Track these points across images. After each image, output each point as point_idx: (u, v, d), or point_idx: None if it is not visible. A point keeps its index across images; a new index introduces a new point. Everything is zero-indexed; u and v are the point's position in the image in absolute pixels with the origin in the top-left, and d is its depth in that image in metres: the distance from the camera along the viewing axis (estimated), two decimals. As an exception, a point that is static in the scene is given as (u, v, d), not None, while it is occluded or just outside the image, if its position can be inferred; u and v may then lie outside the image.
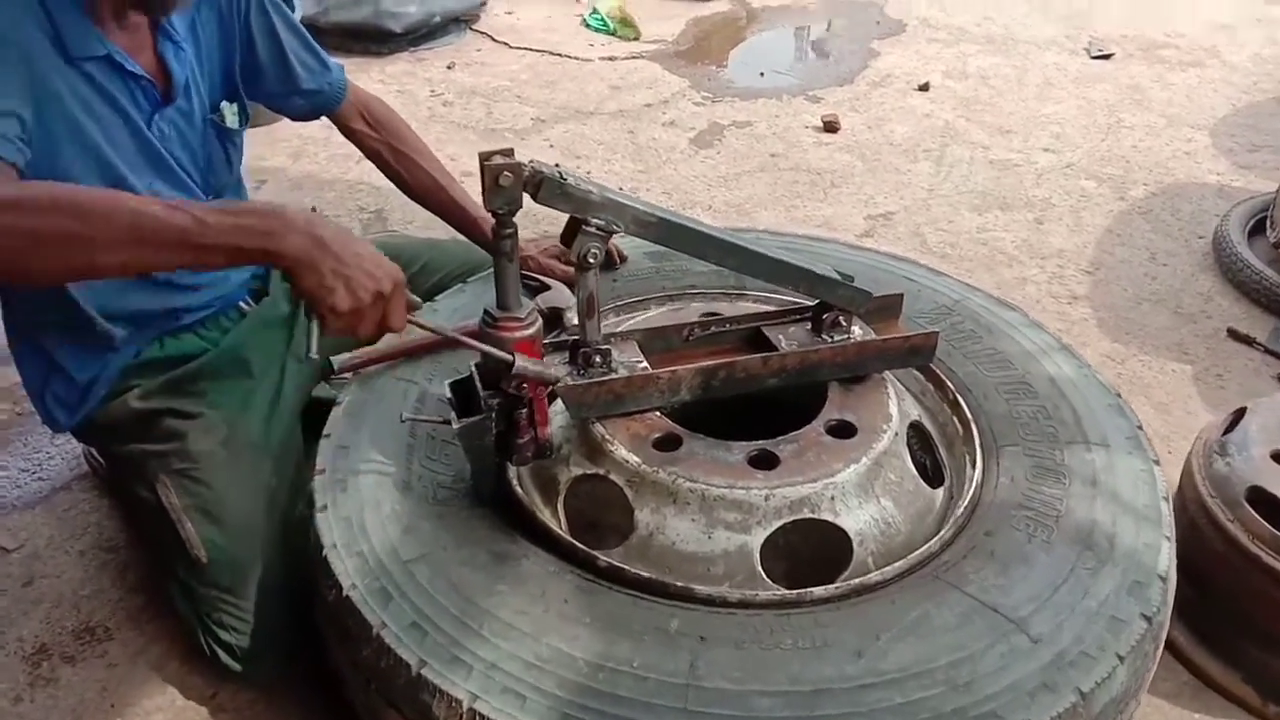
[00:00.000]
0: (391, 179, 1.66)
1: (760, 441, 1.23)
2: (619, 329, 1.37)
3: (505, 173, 1.08)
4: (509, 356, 1.12)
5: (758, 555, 1.14)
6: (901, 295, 1.44)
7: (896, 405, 1.31)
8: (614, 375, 1.25)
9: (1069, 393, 1.40)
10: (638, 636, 1.03)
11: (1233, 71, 3.62)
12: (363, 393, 1.40)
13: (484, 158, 1.09)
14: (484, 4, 3.99)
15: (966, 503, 1.24)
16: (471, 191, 1.46)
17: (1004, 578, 1.10)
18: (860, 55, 3.77)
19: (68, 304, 1.31)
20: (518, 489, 1.25)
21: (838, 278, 1.33)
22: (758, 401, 1.36)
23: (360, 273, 1.01)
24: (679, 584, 1.10)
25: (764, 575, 1.14)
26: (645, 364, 1.29)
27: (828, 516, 1.17)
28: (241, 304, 1.53)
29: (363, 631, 1.07)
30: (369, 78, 3.34)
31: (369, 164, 1.67)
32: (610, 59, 3.67)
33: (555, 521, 1.23)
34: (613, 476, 1.21)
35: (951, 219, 2.58)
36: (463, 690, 0.98)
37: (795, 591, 1.10)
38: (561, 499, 1.25)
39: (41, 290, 1.31)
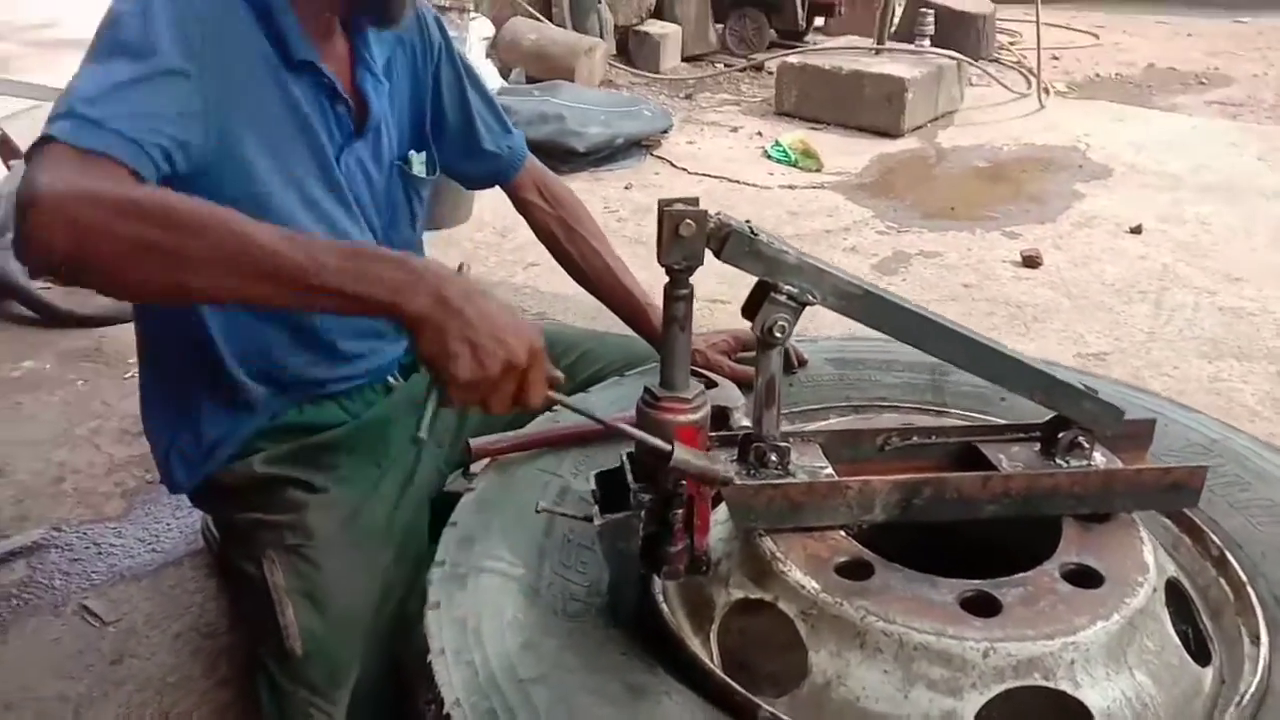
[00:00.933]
0: (559, 258, 1.54)
1: (976, 581, 0.97)
2: (800, 430, 1.15)
3: (687, 221, 0.92)
4: (667, 446, 0.93)
5: (969, 727, 0.87)
6: (1154, 421, 1.17)
7: (1153, 554, 1.03)
8: (792, 479, 1.03)
9: (1386, 564, 1.08)
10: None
11: None
12: (498, 481, 1.24)
13: (664, 204, 0.93)
14: (666, 131, 4.00)
15: (1253, 689, 0.93)
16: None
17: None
18: (1063, 196, 3.52)
19: (210, 360, 1.23)
20: (663, 608, 1.03)
21: (1083, 387, 1.08)
22: (966, 540, 1.10)
23: (489, 339, 0.87)
24: (865, 758, 0.85)
25: (976, 756, 0.87)
26: (830, 471, 1.06)
27: (1066, 687, 0.90)
28: (390, 379, 1.42)
29: (461, 762, 0.86)
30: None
31: (536, 270, 1.56)
32: (790, 187, 3.57)
33: (706, 653, 0.99)
34: (782, 605, 0.97)
35: (1177, 364, 2.27)
36: None
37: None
38: (715, 627, 1.02)
39: (184, 343, 1.23)
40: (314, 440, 1.29)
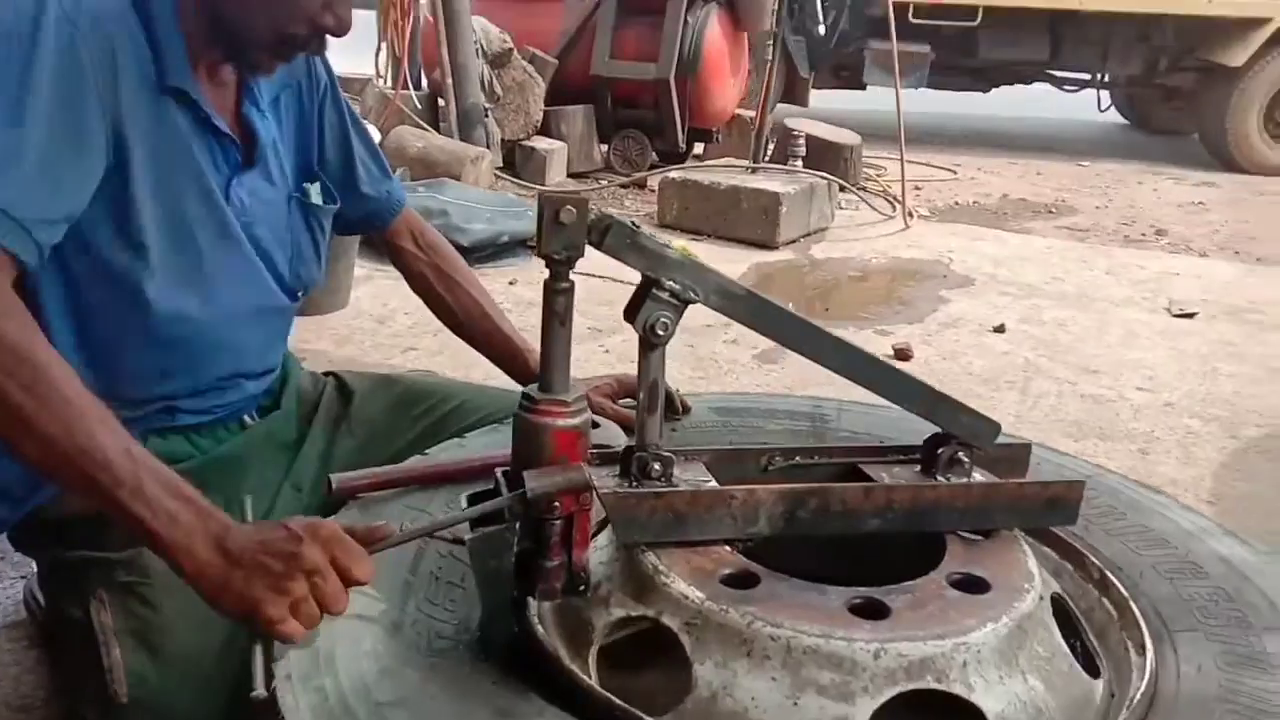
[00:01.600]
0: (433, 306, 1.50)
1: (864, 589, 0.94)
2: (683, 449, 1.11)
3: (568, 207, 0.90)
4: (515, 496, 0.89)
5: (862, 733, 0.82)
6: (1030, 445, 1.18)
7: (1037, 567, 1.02)
8: (675, 489, 0.99)
9: (1252, 575, 1.10)
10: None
11: (1330, 335, 3.44)
12: (360, 518, 1.15)
13: (543, 194, 0.92)
14: (552, 235, 4.02)
15: (1141, 694, 0.91)
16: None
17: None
18: (930, 301, 3.68)
19: None
20: (539, 629, 0.95)
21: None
22: (851, 565, 1.07)
23: (277, 562, 0.85)
24: (754, 759, 0.78)
25: (871, 764, 0.81)
26: (715, 484, 1.02)
27: (959, 690, 0.86)
28: (246, 417, 1.32)
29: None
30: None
31: (414, 354, 1.52)
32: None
33: (585, 675, 0.92)
34: (666, 619, 0.92)
35: (1045, 443, 2.33)
36: None
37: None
38: (595, 650, 0.95)
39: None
40: None
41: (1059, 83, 8.24)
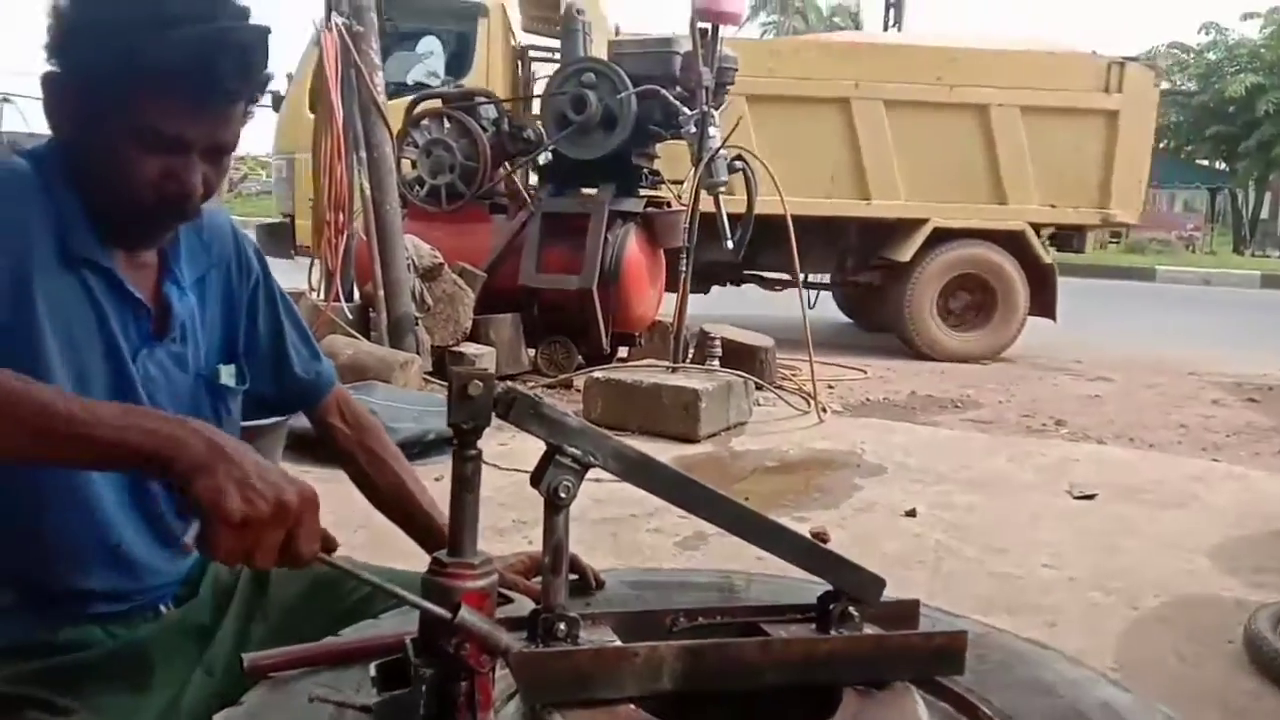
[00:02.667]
0: (359, 482, 1.54)
1: (761, 741, 0.98)
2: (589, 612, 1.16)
3: (475, 381, 0.98)
4: (447, 613, 0.93)
5: None
6: (918, 601, 1.25)
7: (927, 715, 1.07)
8: (579, 648, 1.03)
9: (1129, 718, 1.16)
10: None
11: (1217, 511, 3.63)
12: (269, 696, 1.16)
13: (453, 366, 1.01)
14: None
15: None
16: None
17: None
18: (845, 489, 3.81)
19: None
20: (446, 791, 0.97)
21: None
22: (757, 711, 1.11)
23: (261, 482, 0.90)
24: None
25: None
26: (619, 643, 1.07)
27: (853, 832, 0.89)
28: (162, 606, 1.33)
29: None
30: (354, 488, 3.30)
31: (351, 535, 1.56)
32: (596, 481, 3.68)
33: (492, 840, 0.93)
34: (571, 776, 0.94)
35: (956, 621, 2.40)
36: None
37: None
38: (503, 813, 0.96)
39: None
40: (65, 660, 1.17)
41: (768, 284, 8.74)
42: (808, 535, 3.05)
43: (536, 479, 1.06)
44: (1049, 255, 8.29)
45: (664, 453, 4.24)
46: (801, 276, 6.41)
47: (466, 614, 0.93)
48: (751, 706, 1.10)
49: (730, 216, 5.39)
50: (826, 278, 8.91)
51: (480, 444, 1.03)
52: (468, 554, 1.00)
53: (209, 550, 0.89)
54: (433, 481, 3.61)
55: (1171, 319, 11.38)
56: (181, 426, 0.92)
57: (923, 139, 7.91)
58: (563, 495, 1.04)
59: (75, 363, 1.18)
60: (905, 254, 7.93)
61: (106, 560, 1.23)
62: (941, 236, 8.07)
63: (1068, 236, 8.79)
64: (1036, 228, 8.23)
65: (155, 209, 1.20)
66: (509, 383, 1.04)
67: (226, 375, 1.39)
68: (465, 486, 1.00)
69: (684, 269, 5.25)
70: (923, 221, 7.98)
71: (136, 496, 1.26)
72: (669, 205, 6.47)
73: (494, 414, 1.01)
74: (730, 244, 5.35)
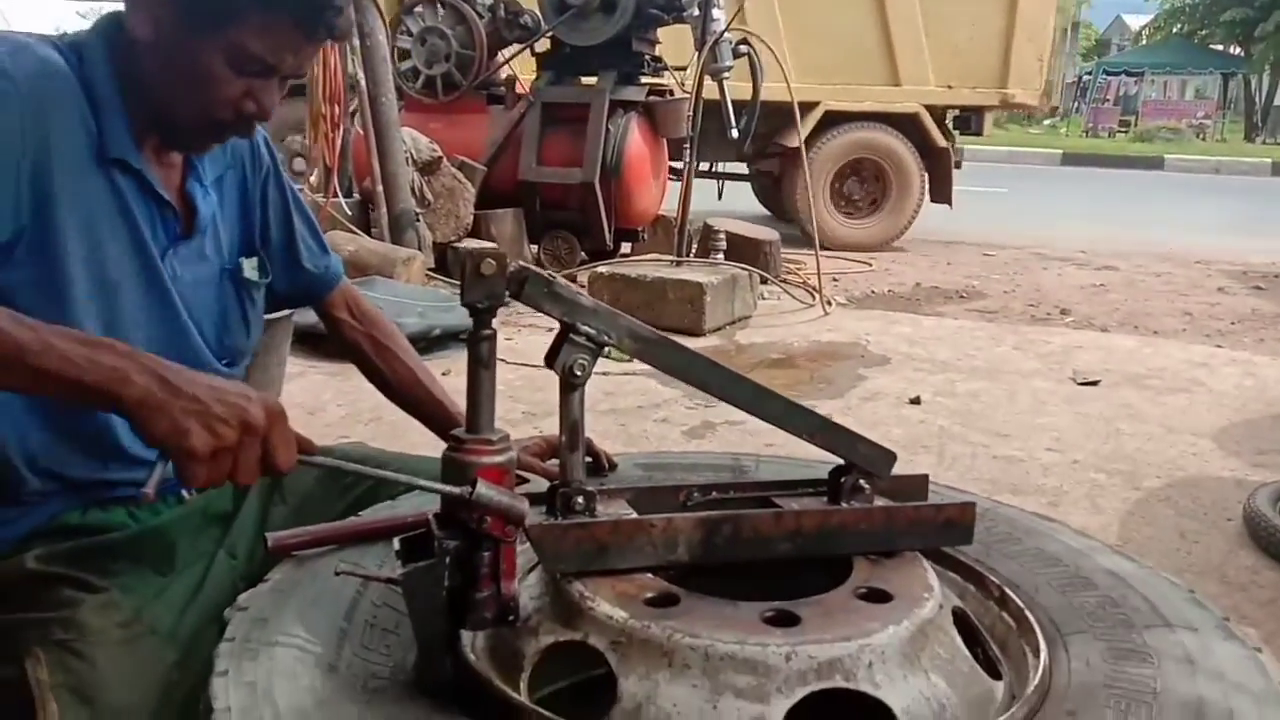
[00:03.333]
0: (369, 374, 1.56)
1: (776, 603, 1.00)
2: (605, 488, 1.18)
3: (488, 260, 0.98)
4: (465, 489, 0.94)
5: (778, 731, 0.88)
6: (927, 476, 1.27)
7: (937, 581, 1.10)
8: (597, 520, 1.05)
9: (1135, 584, 1.19)
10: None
11: (1220, 396, 3.66)
12: (294, 572, 1.18)
13: (464, 249, 1.00)
14: (483, 330, 4.10)
15: (1035, 686, 0.99)
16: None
17: (1108, 753, 0.84)
18: (849, 378, 3.83)
19: None
20: (471, 656, 1.00)
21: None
22: (770, 584, 1.14)
23: (219, 405, 0.88)
24: (677, 755, 0.83)
25: (788, 758, 0.87)
26: (635, 516, 1.09)
27: (866, 687, 0.92)
28: (184, 492, 1.35)
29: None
30: (363, 379, 3.30)
31: (348, 440, 1.56)
32: (604, 374, 3.72)
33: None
34: (593, 640, 0.97)
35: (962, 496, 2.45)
36: None
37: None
38: (526, 676, 0.99)
39: None
40: (94, 541, 1.20)
41: (676, 174, 8.43)
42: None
43: (551, 358, 1.06)
44: (945, 138, 7.90)
45: (669, 345, 4.26)
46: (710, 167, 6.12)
47: (483, 488, 0.94)
48: (764, 578, 1.12)
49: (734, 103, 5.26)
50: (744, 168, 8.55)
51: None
52: (485, 430, 1.01)
53: (187, 484, 0.90)
54: (440, 376, 3.64)
55: (1180, 208, 11.27)
56: (131, 359, 0.89)
57: (812, 18, 7.54)
58: (578, 374, 1.05)
59: (100, 266, 1.18)
60: (796, 139, 7.25)
61: (128, 451, 1.25)
62: (834, 120, 7.72)
63: (966, 119, 8.34)
64: (933, 110, 7.84)
65: (227, 125, 1.21)
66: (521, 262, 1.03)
67: (249, 268, 1.39)
68: (482, 365, 1.00)
69: (688, 159, 5.17)
70: (814, 105, 7.57)
71: None
72: (671, 93, 6.31)
73: (506, 293, 1.01)
74: (735, 133, 5.26)
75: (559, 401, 1.07)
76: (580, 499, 1.06)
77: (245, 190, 1.41)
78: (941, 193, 8.01)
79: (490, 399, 1.01)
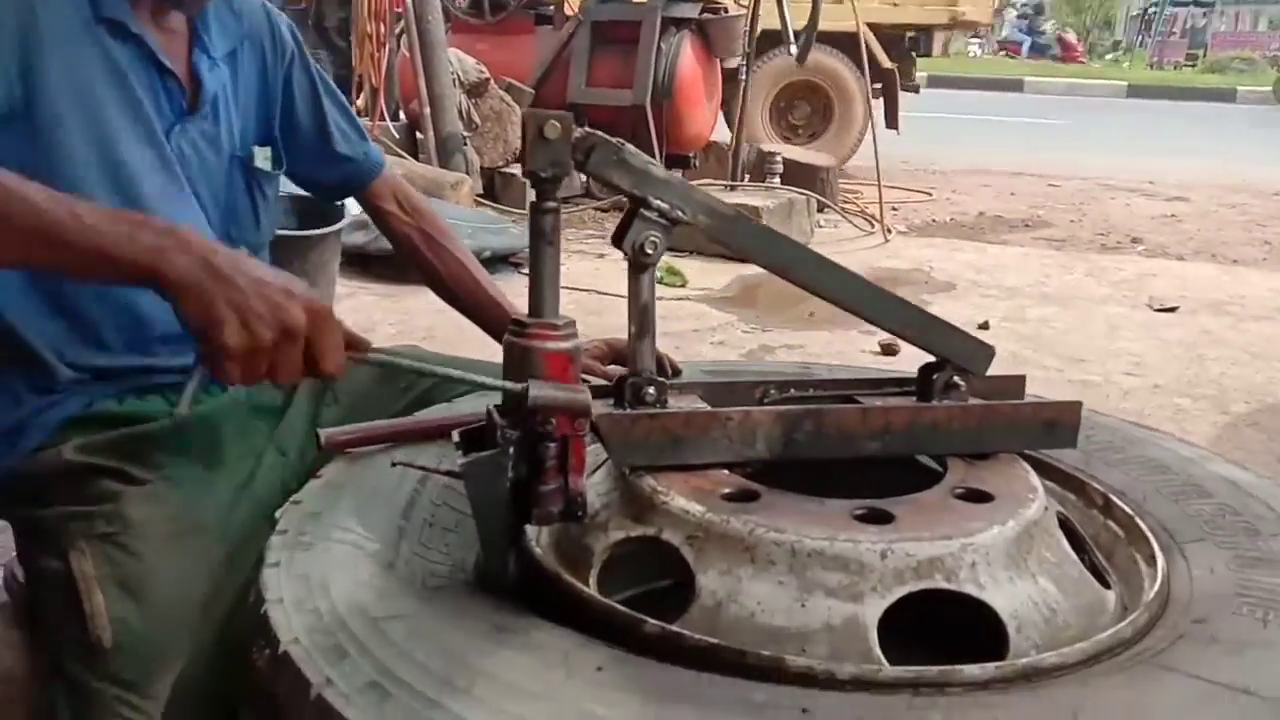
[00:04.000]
0: (420, 268, 1.48)
1: (867, 500, 0.92)
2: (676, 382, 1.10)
3: (551, 122, 0.89)
4: (519, 385, 0.86)
5: (874, 632, 0.80)
6: (1024, 377, 1.17)
7: (1040, 484, 1.00)
8: (670, 411, 0.97)
9: (1256, 493, 1.09)
10: (706, 705, 0.69)
11: (1308, 324, 3.48)
12: (349, 468, 1.13)
13: (526, 111, 0.91)
14: (533, 253, 4.03)
15: (1155, 592, 0.90)
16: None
17: (1245, 660, 0.75)
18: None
19: (12, 339, 1.10)
20: (537, 550, 0.93)
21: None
22: (851, 490, 1.06)
23: (260, 302, 0.80)
24: (765, 652, 0.76)
25: (884, 661, 0.79)
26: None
27: (969, 589, 0.84)
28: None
29: (297, 698, 0.73)
30: (415, 301, 3.29)
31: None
32: (659, 299, 3.63)
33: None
34: (667, 535, 0.89)
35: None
36: (433, 762, 0.63)
37: (938, 669, 0.75)
38: (595, 573, 0.92)
39: None
40: (134, 431, 1.15)
41: None
42: (878, 347, 2.98)
43: (620, 236, 0.98)
44: (892, 60, 7.24)
45: (726, 272, 4.15)
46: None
47: (536, 388, 0.86)
48: (848, 483, 1.04)
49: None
50: None
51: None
52: (549, 313, 0.93)
53: (219, 379, 0.82)
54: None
55: (1255, 141, 10.78)
56: (171, 235, 0.82)
57: None
58: (649, 252, 0.96)
59: (102, 141, 1.11)
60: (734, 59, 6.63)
61: (158, 337, 1.19)
62: (774, 40, 6.85)
63: (915, 39, 7.73)
64: (880, 30, 7.11)
65: None
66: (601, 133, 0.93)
67: (261, 158, 1.31)
68: (545, 240, 0.92)
69: (744, 80, 4.99)
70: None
71: None
72: (726, 10, 6.06)
73: (572, 161, 0.92)
74: (794, 50, 5.05)
75: (628, 284, 0.98)
76: (651, 390, 0.98)
77: (264, 73, 1.33)
78: (889, 117, 7.34)
79: (555, 279, 0.93)
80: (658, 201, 0.95)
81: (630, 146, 0.95)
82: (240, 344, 0.79)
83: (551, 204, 0.92)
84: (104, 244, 0.81)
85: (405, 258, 1.49)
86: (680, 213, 0.96)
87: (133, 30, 1.11)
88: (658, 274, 3.97)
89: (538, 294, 0.93)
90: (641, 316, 0.98)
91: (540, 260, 0.92)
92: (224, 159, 1.26)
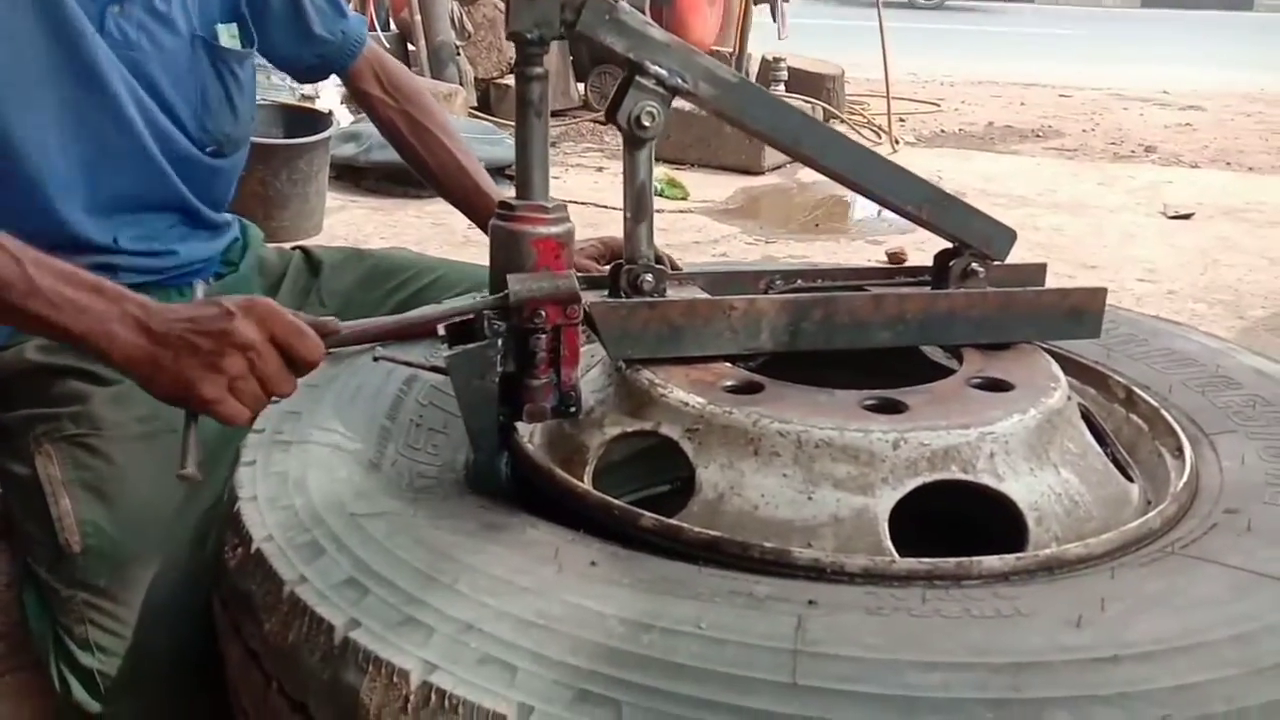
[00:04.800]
0: (406, 155, 1.39)
1: (878, 391, 0.86)
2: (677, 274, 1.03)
3: (538, -22, 0.81)
4: (497, 299, 0.81)
5: (884, 525, 0.75)
6: (1045, 265, 1.11)
7: (1062, 373, 0.94)
8: (669, 299, 0.91)
9: (1289, 383, 1.03)
10: (705, 599, 0.64)
11: (1325, 229, 3.39)
12: (332, 368, 1.07)
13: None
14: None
15: (1184, 483, 0.85)
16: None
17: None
18: (920, 214, 3.60)
19: None
20: (528, 445, 0.88)
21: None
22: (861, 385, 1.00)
23: (207, 339, 0.78)
24: (768, 544, 0.71)
25: (895, 554, 0.74)
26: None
27: (987, 480, 0.79)
28: (199, 281, 1.22)
29: (270, 596, 0.69)
30: (406, 213, 3.21)
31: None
32: (658, 211, 3.53)
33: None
34: (665, 429, 0.84)
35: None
36: (413, 659, 0.59)
37: (955, 560, 0.70)
38: (590, 471, 0.87)
39: None
40: None
41: None
42: (885, 256, 2.91)
43: (614, 108, 0.90)
44: None
45: (728, 185, 4.04)
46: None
47: (515, 283, 0.81)
48: (859, 378, 0.98)
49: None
50: None
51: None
52: (538, 194, 0.87)
53: (231, 424, 0.81)
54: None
55: (1271, 48, 10.47)
56: (117, 303, 0.80)
57: None
58: (646, 124, 0.89)
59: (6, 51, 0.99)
60: None
61: (124, 233, 1.12)
62: None
63: None
64: None
65: None
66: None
67: (227, 36, 1.20)
68: (532, 110, 0.85)
69: (746, -16, 4.80)
70: None
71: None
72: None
73: (561, 20, 0.84)
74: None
75: (623, 161, 0.91)
76: (649, 277, 0.91)
77: None
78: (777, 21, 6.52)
79: (543, 156, 0.87)
80: (655, 67, 0.87)
81: (626, 4, 0.87)
82: (217, 390, 0.78)
83: (539, 70, 0.85)
84: (51, 314, 0.80)
85: (389, 140, 1.40)
86: (680, 80, 0.88)
87: None
88: (657, 186, 3.85)
89: (525, 172, 0.87)
90: (638, 198, 0.91)
91: (528, 133, 0.85)
92: (185, 42, 1.15)
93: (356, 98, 1.39)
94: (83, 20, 1.04)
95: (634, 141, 0.89)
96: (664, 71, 0.87)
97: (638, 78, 0.87)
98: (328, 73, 1.37)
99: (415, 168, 1.39)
